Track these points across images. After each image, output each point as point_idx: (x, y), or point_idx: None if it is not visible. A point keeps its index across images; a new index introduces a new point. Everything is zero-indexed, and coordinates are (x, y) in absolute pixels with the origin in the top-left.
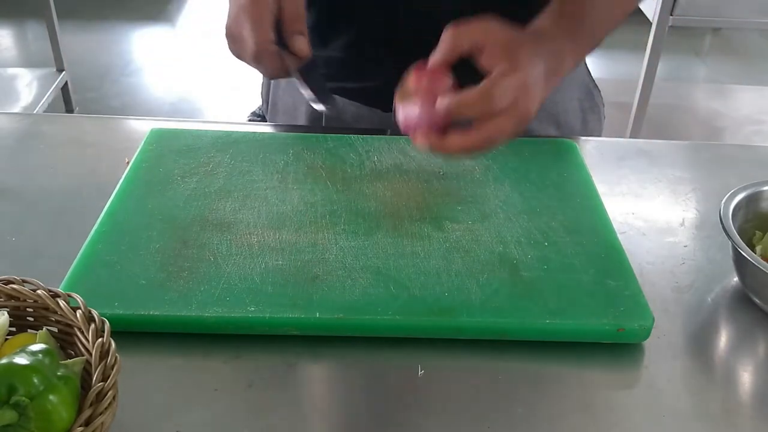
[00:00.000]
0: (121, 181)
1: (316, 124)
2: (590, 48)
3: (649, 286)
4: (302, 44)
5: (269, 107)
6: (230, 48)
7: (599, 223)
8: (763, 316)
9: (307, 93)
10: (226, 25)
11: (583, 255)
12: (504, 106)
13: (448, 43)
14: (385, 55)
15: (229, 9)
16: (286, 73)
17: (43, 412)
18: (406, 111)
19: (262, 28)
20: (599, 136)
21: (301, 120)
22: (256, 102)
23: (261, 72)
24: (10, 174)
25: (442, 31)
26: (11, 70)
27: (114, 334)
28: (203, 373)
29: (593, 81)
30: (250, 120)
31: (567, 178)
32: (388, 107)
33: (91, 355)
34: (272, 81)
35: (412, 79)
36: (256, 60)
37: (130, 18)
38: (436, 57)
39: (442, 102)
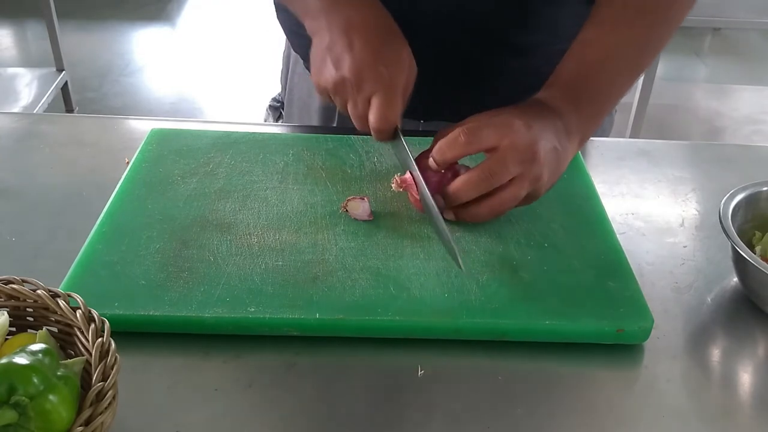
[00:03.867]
0: (121, 181)
1: (329, 115)
2: (598, 122)
3: (649, 286)
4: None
5: (286, 94)
6: (337, 85)
7: (599, 224)
8: (763, 316)
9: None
10: (348, 64)
11: (583, 256)
12: (507, 179)
13: (461, 149)
14: None
15: (343, 44)
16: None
17: (43, 411)
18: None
19: (396, 109)
20: (609, 133)
21: (315, 109)
22: (256, 102)
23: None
24: (10, 174)
25: (446, 48)
26: (11, 70)
27: (114, 334)
28: (203, 373)
29: None
30: (270, 106)
31: (567, 179)
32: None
33: (91, 355)
34: (289, 68)
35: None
36: (374, 132)
37: (130, 18)
38: (447, 158)
39: (450, 191)
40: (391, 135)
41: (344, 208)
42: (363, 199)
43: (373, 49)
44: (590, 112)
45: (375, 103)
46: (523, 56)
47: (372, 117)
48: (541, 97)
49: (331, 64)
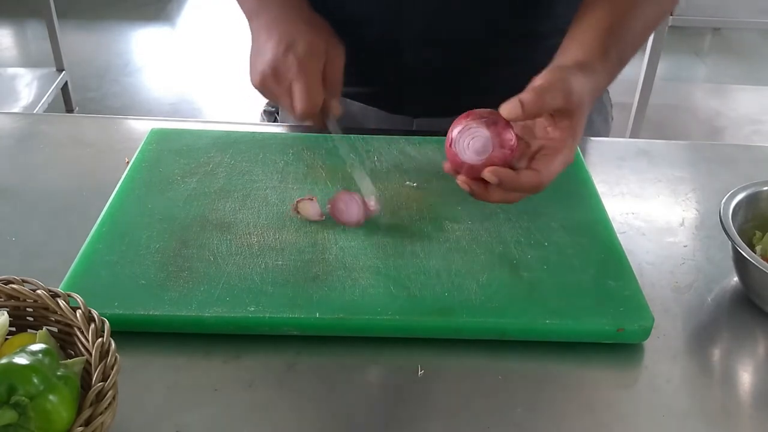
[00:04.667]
0: (121, 181)
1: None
2: (617, 74)
3: (649, 286)
4: (336, 107)
5: None
6: (262, 81)
7: (599, 223)
8: (763, 316)
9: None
10: (266, 59)
11: (583, 255)
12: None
13: (532, 106)
14: (387, 62)
15: (263, 41)
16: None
17: (43, 412)
18: (471, 154)
19: (316, 89)
20: (606, 137)
21: None
22: (255, 102)
23: (291, 113)
24: (10, 174)
25: (441, 40)
26: (11, 70)
27: (114, 334)
28: (203, 373)
29: None
30: (265, 111)
31: (567, 178)
32: (394, 109)
33: (91, 355)
34: None
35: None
36: (300, 117)
37: (130, 18)
38: (513, 113)
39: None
40: (317, 117)
41: (295, 209)
42: (312, 199)
43: (286, 43)
44: (615, 66)
45: (295, 88)
46: (525, 47)
47: (295, 101)
48: (585, 59)
49: (256, 64)
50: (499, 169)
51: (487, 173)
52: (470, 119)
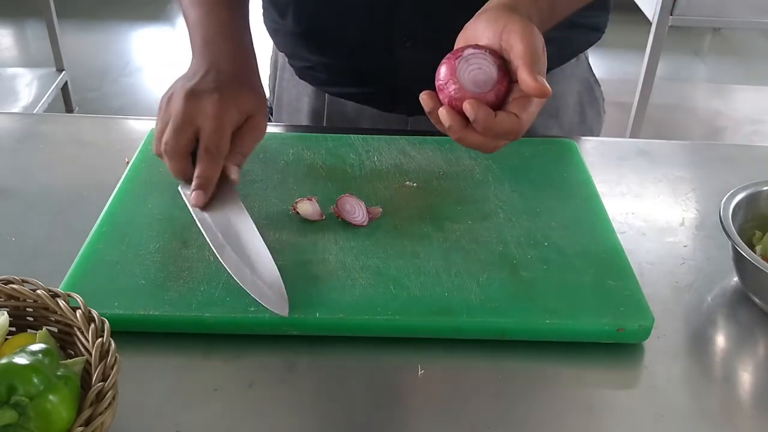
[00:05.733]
0: (121, 181)
1: (318, 117)
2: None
3: (649, 286)
4: (236, 176)
5: (275, 99)
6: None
7: (599, 223)
8: (763, 316)
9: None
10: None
11: (583, 255)
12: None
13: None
14: (380, 61)
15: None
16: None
17: (43, 412)
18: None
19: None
20: (598, 131)
21: (304, 112)
22: None
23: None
24: (10, 174)
25: (437, 38)
26: (11, 70)
27: (114, 334)
28: (203, 373)
29: (594, 76)
30: None
31: (567, 178)
32: (388, 108)
33: (91, 355)
34: (277, 72)
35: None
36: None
37: (130, 18)
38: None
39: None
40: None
41: (294, 209)
42: (312, 199)
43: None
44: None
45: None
46: None
47: (166, 134)
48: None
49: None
50: (480, 105)
51: (466, 104)
52: (482, 49)
